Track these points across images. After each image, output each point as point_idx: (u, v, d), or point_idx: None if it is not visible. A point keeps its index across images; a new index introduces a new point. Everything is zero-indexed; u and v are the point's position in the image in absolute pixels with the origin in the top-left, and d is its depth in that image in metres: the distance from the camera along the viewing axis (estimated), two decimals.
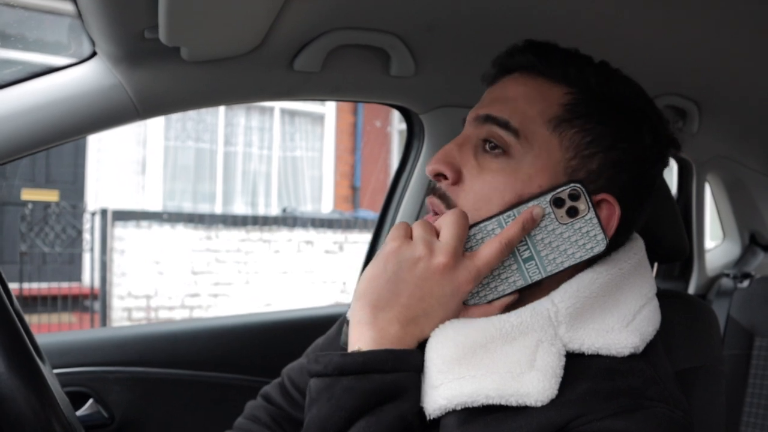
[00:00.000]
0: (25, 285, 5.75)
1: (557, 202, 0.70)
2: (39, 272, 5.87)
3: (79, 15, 0.99)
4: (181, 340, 1.48)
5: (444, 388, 0.67)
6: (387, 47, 1.20)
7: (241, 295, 6.73)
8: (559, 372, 0.66)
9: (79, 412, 1.31)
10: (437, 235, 0.71)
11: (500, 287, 0.72)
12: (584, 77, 0.75)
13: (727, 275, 2.11)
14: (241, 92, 1.24)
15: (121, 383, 1.36)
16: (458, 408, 0.66)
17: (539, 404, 0.64)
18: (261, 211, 7.78)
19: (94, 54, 1.08)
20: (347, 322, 0.75)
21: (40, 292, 5.83)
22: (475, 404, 0.65)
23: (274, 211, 7.82)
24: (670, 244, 1.06)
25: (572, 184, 0.70)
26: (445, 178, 0.76)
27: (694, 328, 0.99)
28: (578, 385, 0.66)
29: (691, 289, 2.07)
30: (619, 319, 0.71)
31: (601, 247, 0.70)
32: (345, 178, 8.41)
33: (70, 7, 0.97)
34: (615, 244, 0.75)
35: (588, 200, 0.70)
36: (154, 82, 1.10)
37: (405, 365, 0.68)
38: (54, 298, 5.93)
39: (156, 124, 6.99)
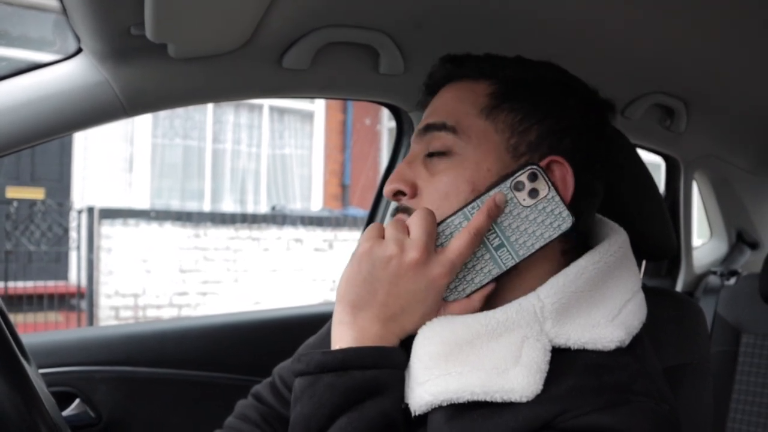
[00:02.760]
0: (11, 284, 5.71)
1: (518, 186, 0.72)
2: (25, 271, 5.82)
3: (64, 11, 0.98)
4: (168, 339, 1.48)
5: (430, 384, 0.67)
6: (376, 45, 1.19)
7: (229, 293, 6.71)
8: (545, 367, 0.67)
9: (65, 413, 1.30)
10: (408, 233, 0.73)
11: (477, 278, 0.73)
12: (501, 70, 0.81)
13: (714, 273, 2.13)
14: (229, 89, 1.23)
15: (108, 383, 1.35)
16: (444, 404, 0.67)
17: (524, 400, 0.65)
18: (250, 208, 7.76)
19: (79, 51, 1.07)
20: None
21: (26, 291, 5.79)
22: (461, 400, 0.66)
23: (263, 208, 7.81)
24: (658, 241, 1.06)
25: (529, 167, 0.72)
26: (403, 194, 0.79)
27: (682, 325, 1.00)
28: (564, 381, 0.66)
29: (679, 287, 2.08)
30: (605, 314, 0.72)
31: (567, 223, 0.71)
32: (334, 175, 8.41)
33: (55, 3, 0.96)
34: (579, 212, 0.76)
35: (546, 179, 0.71)
36: (141, 79, 1.09)
37: (386, 362, 0.69)
38: (40, 296, 5.89)
39: (143, 121, 6.95)
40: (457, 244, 0.71)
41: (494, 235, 0.72)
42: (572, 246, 0.78)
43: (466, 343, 0.69)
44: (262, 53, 1.15)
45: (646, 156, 2.04)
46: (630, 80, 1.51)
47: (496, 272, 0.72)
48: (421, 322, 0.72)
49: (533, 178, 0.71)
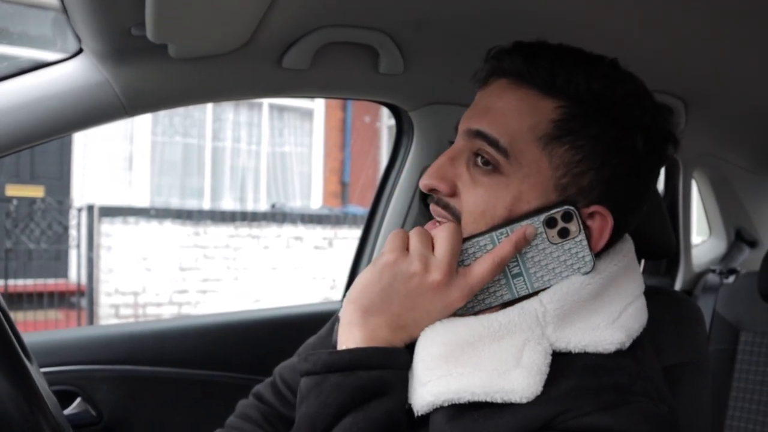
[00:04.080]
0: (11, 282, 5.71)
1: (550, 222, 0.71)
2: (25, 269, 5.82)
3: (65, 11, 0.99)
4: (169, 338, 1.48)
5: (431, 384, 0.68)
6: (376, 45, 1.20)
7: (229, 291, 6.71)
8: (545, 369, 0.67)
9: (66, 411, 1.30)
10: (432, 247, 0.72)
11: (488, 300, 0.73)
12: (573, 85, 0.73)
13: (713, 271, 2.13)
14: (229, 89, 1.24)
15: (109, 382, 1.35)
16: (445, 404, 0.67)
17: (524, 401, 0.65)
18: (250, 206, 7.76)
19: (80, 51, 1.07)
20: (339, 320, 0.75)
21: (26, 289, 5.79)
22: (461, 401, 0.66)
23: (263, 206, 7.80)
24: (657, 241, 1.07)
25: (566, 207, 0.70)
26: (440, 193, 0.76)
27: (680, 324, 1.00)
28: (564, 382, 0.67)
29: (678, 285, 2.09)
30: (606, 317, 0.72)
31: (587, 268, 0.71)
32: (334, 173, 8.41)
33: (55, 2, 0.97)
34: (605, 247, 0.75)
35: (579, 222, 0.70)
36: (142, 79, 1.10)
37: (391, 362, 0.70)
38: (40, 294, 5.89)
39: (143, 119, 6.94)
40: (480, 269, 0.70)
41: (515, 263, 0.72)
42: None
43: (467, 344, 0.69)
44: (262, 53, 1.15)
45: None
46: None
47: (507, 298, 0.73)
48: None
49: (568, 218, 0.71)
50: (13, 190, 6.24)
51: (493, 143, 0.73)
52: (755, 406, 1.78)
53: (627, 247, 0.79)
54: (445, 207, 0.76)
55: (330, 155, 8.32)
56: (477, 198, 0.73)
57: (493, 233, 0.71)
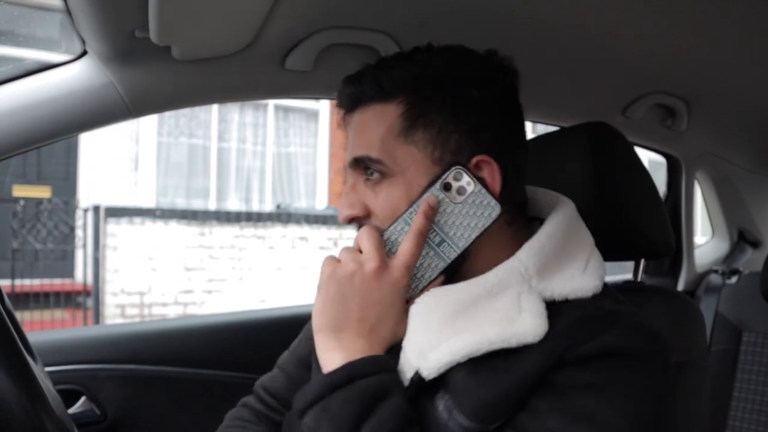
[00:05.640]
0: (18, 282, 5.73)
1: (446, 186, 0.78)
2: (31, 269, 5.84)
3: (69, 14, 0.99)
4: (173, 337, 1.49)
5: (445, 345, 0.74)
6: (378, 46, 1.20)
7: (235, 291, 6.72)
8: (544, 312, 0.75)
9: (71, 410, 1.31)
10: (360, 252, 0.79)
11: (426, 275, 0.80)
12: (399, 82, 0.82)
13: (716, 271, 2.13)
14: (232, 91, 1.24)
15: (114, 381, 1.36)
16: (463, 360, 0.73)
17: (537, 340, 0.72)
18: (255, 207, 7.76)
19: (84, 53, 1.08)
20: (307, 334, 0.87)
21: (32, 289, 5.81)
22: (479, 353, 0.72)
23: (268, 207, 7.81)
24: (656, 240, 1.07)
25: (453, 168, 0.78)
26: (358, 217, 0.84)
27: (680, 323, 1.01)
28: (562, 320, 0.74)
29: (680, 285, 2.08)
30: (577, 268, 0.81)
31: (496, 211, 0.78)
32: (339, 174, 8.39)
33: (59, 4, 0.98)
34: (516, 196, 0.85)
35: (470, 176, 0.78)
36: (145, 80, 1.10)
37: (383, 366, 0.74)
38: (46, 294, 5.91)
39: (149, 120, 6.95)
40: (405, 247, 0.78)
41: (434, 233, 0.79)
42: (514, 216, 0.85)
43: (470, 304, 0.76)
44: (265, 55, 1.16)
45: (650, 154, 2.04)
46: (631, 80, 1.52)
47: (442, 266, 0.79)
48: (396, 329, 0.78)
49: (459, 177, 0.78)
50: (19, 191, 6.27)
51: (368, 159, 0.82)
52: (758, 406, 1.78)
53: (568, 206, 0.87)
54: None
55: (335, 156, 8.32)
56: (382, 201, 0.82)
57: (404, 216, 0.79)
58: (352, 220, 0.84)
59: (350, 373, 0.72)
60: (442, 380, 0.75)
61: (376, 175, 0.82)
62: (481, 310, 0.76)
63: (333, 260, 0.79)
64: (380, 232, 0.80)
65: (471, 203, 0.78)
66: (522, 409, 0.72)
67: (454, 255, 0.79)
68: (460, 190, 0.78)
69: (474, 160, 0.80)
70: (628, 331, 0.74)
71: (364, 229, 0.80)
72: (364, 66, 0.86)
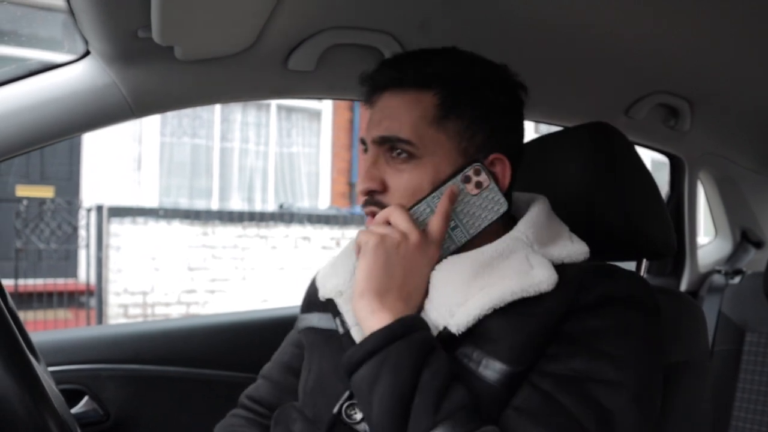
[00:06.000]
0: (21, 281, 5.74)
1: (466, 179, 0.88)
2: (34, 269, 5.85)
3: (72, 14, 1.00)
4: (176, 337, 1.49)
5: (472, 300, 0.82)
6: (380, 46, 1.20)
7: (237, 291, 6.72)
8: (552, 267, 0.84)
9: (74, 410, 1.31)
10: None
11: (441, 255, 0.89)
12: (440, 78, 0.90)
13: (719, 271, 2.13)
14: (235, 91, 1.25)
15: (116, 380, 1.36)
16: (489, 312, 0.81)
17: (551, 288, 0.81)
18: (258, 207, 7.76)
19: (87, 53, 1.09)
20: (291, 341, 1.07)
21: (35, 289, 5.82)
22: (504, 302, 0.80)
23: (271, 207, 7.81)
24: (658, 240, 1.07)
25: (474, 164, 0.88)
26: (374, 191, 0.91)
27: (682, 323, 1.01)
28: (564, 277, 0.83)
29: (683, 286, 2.08)
30: (565, 237, 0.92)
31: (504, 207, 0.89)
32: (342, 174, 8.40)
33: (62, 4, 0.98)
34: (510, 193, 0.95)
35: (487, 173, 0.88)
36: (148, 81, 1.11)
37: (425, 325, 0.82)
38: (50, 294, 5.92)
39: (152, 120, 6.96)
40: (436, 225, 0.87)
41: (451, 219, 0.88)
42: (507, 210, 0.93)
43: (486, 265, 0.85)
44: (267, 55, 1.16)
45: (653, 154, 2.04)
46: (634, 80, 1.52)
47: (453, 248, 0.89)
48: (423, 297, 0.86)
49: (478, 172, 0.88)
50: (23, 191, 6.28)
51: (397, 140, 0.89)
52: (761, 406, 1.78)
53: (544, 200, 0.97)
54: (377, 204, 0.91)
55: (338, 156, 8.32)
56: (404, 182, 0.89)
57: (428, 199, 0.88)
58: (369, 193, 0.91)
59: (406, 326, 0.79)
60: (468, 335, 0.82)
61: (403, 155, 0.89)
62: (496, 269, 0.85)
63: (373, 233, 0.85)
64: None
65: (484, 197, 0.88)
66: (542, 356, 0.80)
67: (464, 240, 0.89)
68: (477, 185, 0.88)
69: (491, 157, 0.90)
70: (623, 281, 0.85)
71: (397, 208, 0.86)
72: (399, 54, 0.95)
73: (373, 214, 0.91)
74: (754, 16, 1.17)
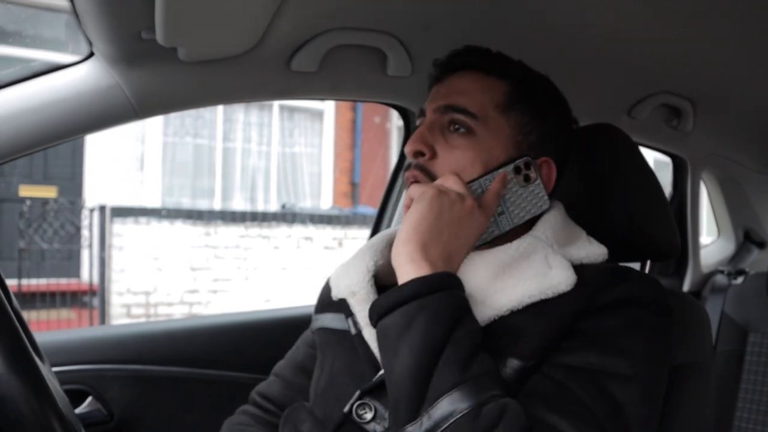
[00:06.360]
0: (24, 281, 5.75)
1: (517, 170, 0.90)
2: (38, 268, 5.86)
3: (76, 16, 1.00)
4: (179, 337, 1.49)
5: (490, 300, 0.83)
6: (384, 47, 1.20)
7: (240, 291, 6.73)
8: (571, 267, 0.85)
9: (78, 410, 1.32)
10: None
11: (483, 236, 0.90)
12: (514, 73, 0.95)
13: (722, 272, 2.12)
14: (238, 92, 1.25)
15: (120, 381, 1.36)
16: (506, 313, 0.82)
17: (569, 288, 0.82)
18: (260, 207, 7.77)
19: (91, 54, 1.09)
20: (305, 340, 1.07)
21: (38, 289, 5.83)
22: (521, 305, 0.82)
23: (273, 207, 7.81)
24: (662, 241, 1.07)
25: (525, 157, 0.90)
26: (422, 155, 0.92)
27: (686, 325, 1.01)
28: (585, 274, 0.84)
29: (686, 286, 2.08)
30: (583, 239, 0.93)
31: (546, 205, 0.92)
32: (344, 174, 8.41)
33: (66, 5, 0.98)
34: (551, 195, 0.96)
35: (535, 169, 0.91)
36: (152, 82, 1.11)
37: (463, 287, 0.81)
38: (53, 294, 5.93)
39: (154, 120, 6.97)
40: (490, 199, 0.88)
41: (498, 204, 0.90)
42: None
43: (506, 265, 0.86)
44: (270, 56, 1.16)
45: (655, 154, 2.04)
46: (637, 81, 1.52)
47: (497, 233, 0.91)
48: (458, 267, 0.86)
49: (528, 166, 0.90)
50: (26, 191, 6.29)
51: (463, 111, 0.91)
52: (764, 407, 1.78)
53: (560, 205, 0.98)
54: (422, 169, 0.91)
55: (340, 156, 8.33)
56: (456, 158, 0.91)
57: (481, 180, 0.89)
58: (416, 155, 0.92)
59: (448, 281, 0.79)
60: (484, 331, 0.80)
61: (461, 130, 0.91)
62: (516, 270, 0.85)
63: (431, 186, 0.85)
64: None
65: (530, 192, 0.91)
66: (556, 350, 0.80)
67: (507, 228, 0.91)
68: (526, 178, 0.90)
69: (542, 159, 0.94)
70: (638, 283, 0.85)
71: (453, 176, 0.87)
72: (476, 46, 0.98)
73: (414, 179, 0.91)
74: (756, 16, 1.17)
